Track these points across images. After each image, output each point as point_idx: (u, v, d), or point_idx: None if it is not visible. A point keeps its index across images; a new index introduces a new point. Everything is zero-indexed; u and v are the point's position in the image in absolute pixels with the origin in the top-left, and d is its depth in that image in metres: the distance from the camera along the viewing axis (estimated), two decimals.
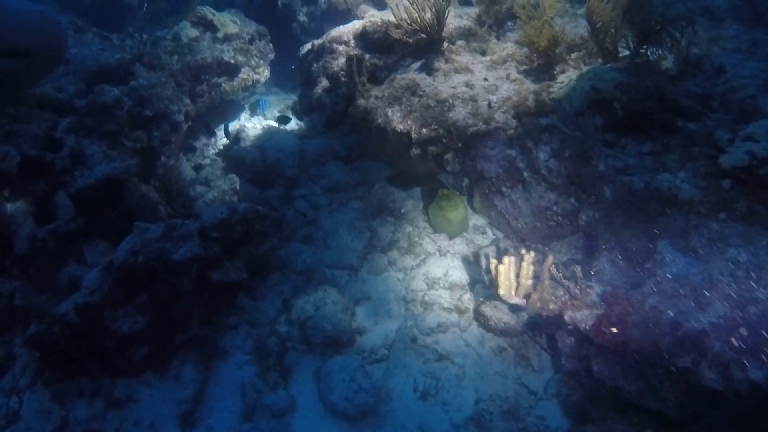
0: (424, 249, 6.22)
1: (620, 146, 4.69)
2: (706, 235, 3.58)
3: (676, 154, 4.26)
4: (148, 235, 5.24)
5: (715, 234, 3.55)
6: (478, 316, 5.28)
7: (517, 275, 4.12)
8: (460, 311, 5.58)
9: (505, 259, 3.92)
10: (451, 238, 6.22)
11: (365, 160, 7.65)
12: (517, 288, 4.22)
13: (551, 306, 3.98)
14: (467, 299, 5.63)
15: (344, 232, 6.53)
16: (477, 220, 6.53)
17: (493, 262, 4.14)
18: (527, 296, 4.17)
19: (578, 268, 3.89)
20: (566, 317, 3.85)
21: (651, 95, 4.65)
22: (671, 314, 3.18)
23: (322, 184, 7.42)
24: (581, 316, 3.75)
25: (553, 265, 4.02)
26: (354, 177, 7.39)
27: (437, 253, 6.16)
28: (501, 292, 4.15)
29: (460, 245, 6.12)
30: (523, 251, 3.99)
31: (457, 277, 5.76)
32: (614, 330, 3.37)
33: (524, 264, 3.90)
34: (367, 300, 5.95)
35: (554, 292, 3.99)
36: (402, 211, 6.68)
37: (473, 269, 5.81)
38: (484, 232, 6.46)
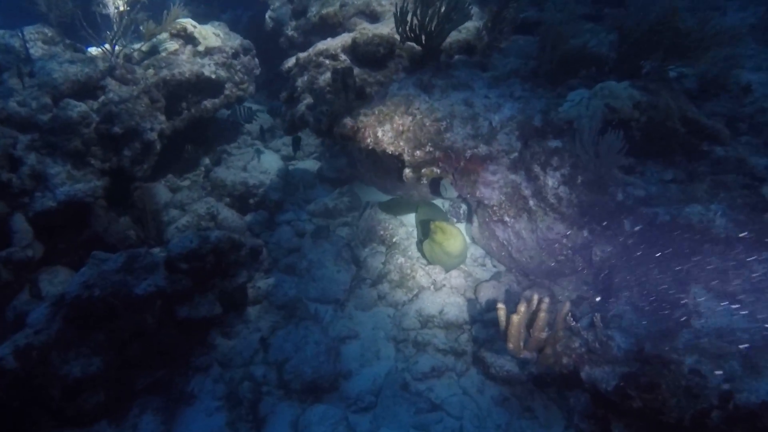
0: (417, 282, 5.64)
1: (639, 173, 4.17)
2: (748, 279, 3.03)
3: (705, 182, 3.73)
4: (106, 267, 4.66)
5: (758, 278, 3.00)
6: (478, 361, 4.70)
7: (529, 326, 3.50)
8: (457, 354, 4.99)
9: (521, 308, 3.32)
10: (447, 270, 5.65)
11: (355, 183, 7.13)
12: (527, 341, 3.60)
13: (564, 360, 3.40)
14: (465, 340, 5.04)
15: (330, 263, 5.96)
16: (476, 250, 5.98)
17: (502, 309, 3.55)
18: (539, 350, 3.56)
19: (597, 317, 3.33)
20: (583, 374, 3.27)
21: (673, 116, 4.14)
22: (719, 379, 2.62)
23: (308, 209, 6.88)
24: (601, 375, 3.17)
25: (570, 314, 3.44)
26: (343, 201, 6.85)
27: (432, 288, 5.58)
28: (510, 346, 3.55)
29: (457, 279, 5.55)
30: (536, 296, 3.41)
31: (454, 315, 5.18)
32: (644, 396, 2.80)
33: (541, 314, 3.30)
34: (353, 339, 5.37)
35: (568, 342, 3.41)
36: (394, 240, 6.13)
37: (472, 306, 5.23)
38: (483, 264, 5.91)
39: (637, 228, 3.69)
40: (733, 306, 2.97)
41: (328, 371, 4.86)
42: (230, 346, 5.26)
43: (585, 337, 3.31)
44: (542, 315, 3.31)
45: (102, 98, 6.01)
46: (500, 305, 3.60)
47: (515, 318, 3.38)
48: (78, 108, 5.75)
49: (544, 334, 3.34)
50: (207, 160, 7.29)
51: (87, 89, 6.05)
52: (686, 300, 3.21)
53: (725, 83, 4.77)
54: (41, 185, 5.69)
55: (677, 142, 4.13)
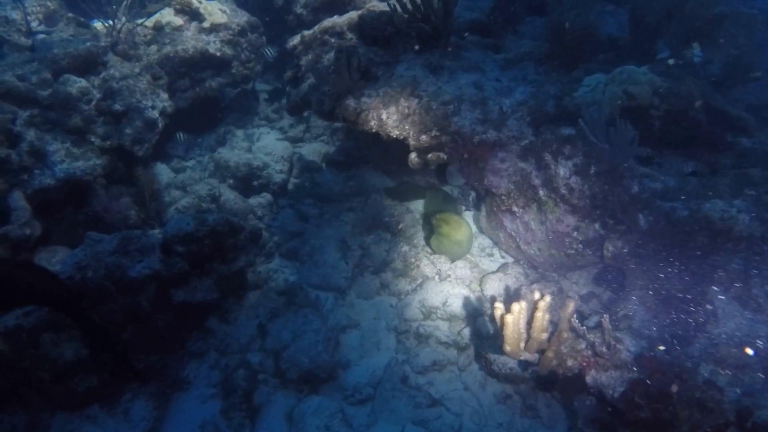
0: (421, 272, 5.46)
1: (657, 164, 3.92)
2: None
3: (728, 176, 3.48)
4: (100, 248, 4.54)
5: None
6: (480, 358, 4.52)
7: (529, 325, 3.28)
8: (460, 348, 4.82)
9: (515, 307, 3.09)
10: (452, 260, 5.45)
11: (363, 167, 6.92)
12: (527, 342, 3.37)
13: (569, 363, 3.20)
14: (468, 334, 4.86)
15: (333, 249, 5.80)
16: (483, 239, 5.77)
17: (499, 308, 3.33)
18: (541, 351, 3.34)
19: (606, 319, 3.11)
20: (588, 379, 3.07)
21: (696, 104, 3.87)
22: (737, 394, 2.42)
23: (313, 193, 6.69)
24: (608, 380, 2.97)
25: (575, 316, 3.23)
26: (349, 186, 6.65)
27: (436, 278, 5.40)
28: (507, 348, 3.34)
29: (462, 269, 5.35)
30: (537, 294, 3.19)
31: (458, 308, 5.00)
32: (654, 406, 2.60)
33: (539, 314, 3.08)
34: (354, 328, 5.22)
35: (573, 344, 3.20)
36: (399, 227, 5.93)
37: (477, 299, 5.04)
38: (490, 254, 5.70)
39: (652, 223, 3.46)
40: (755, 313, 2.75)
41: (325, 361, 4.72)
42: (227, 332, 5.14)
43: (591, 340, 3.10)
44: (540, 315, 3.10)
45: (103, 74, 5.85)
46: (498, 304, 3.39)
47: (509, 318, 3.17)
48: (78, 84, 5.60)
49: (544, 335, 3.13)
50: (212, 140, 7.13)
51: (88, 65, 5.90)
52: (704, 303, 2.99)
53: (752, 69, 4.47)
54: (40, 162, 5.57)
55: (700, 132, 3.86)
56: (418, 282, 5.41)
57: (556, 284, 4.76)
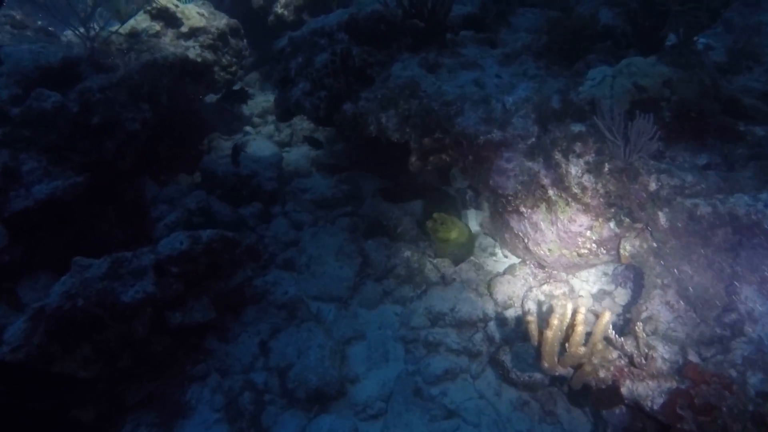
0: (425, 277, 5.31)
1: (669, 157, 3.80)
2: None
3: (749, 169, 3.36)
4: (89, 274, 4.27)
5: None
6: (495, 364, 4.38)
7: (566, 340, 3.10)
8: (472, 354, 4.67)
9: (554, 322, 2.92)
10: (456, 264, 5.30)
11: (354, 169, 6.72)
12: (563, 356, 3.19)
13: (602, 374, 3.07)
14: (479, 340, 4.71)
15: (331, 258, 5.60)
16: (485, 239, 5.63)
17: (533, 321, 3.14)
18: (576, 366, 3.17)
19: (640, 327, 2.97)
20: (624, 390, 2.94)
21: (707, 93, 3.76)
22: None
23: (305, 199, 6.48)
24: (645, 391, 2.84)
25: (612, 328, 3.08)
26: (342, 190, 6.46)
27: (441, 282, 5.24)
28: (545, 364, 3.16)
29: (467, 272, 5.20)
30: (569, 306, 3.02)
31: (467, 312, 4.84)
32: (700, 418, 2.47)
33: (578, 328, 2.90)
34: (359, 339, 5.05)
35: (605, 354, 3.06)
36: (398, 231, 5.76)
37: (486, 303, 4.89)
38: (493, 254, 5.57)
39: (673, 221, 3.34)
40: None
41: (333, 377, 4.54)
42: (228, 352, 4.92)
43: (629, 352, 2.96)
44: (579, 329, 2.95)
45: (79, 87, 5.54)
46: (530, 317, 3.23)
47: (549, 334, 3.01)
48: (52, 98, 5.28)
49: (582, 350, 2.98)
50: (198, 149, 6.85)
51: (62, 77, 5.58)
52: (736, 302, 2.87)
53: (757, 55, 4.38)
54: (15, 183, 5.25)
55: (712, 122, 3.75)
56: (423, 288, 5.25)
57: (566, 284, 4.64)
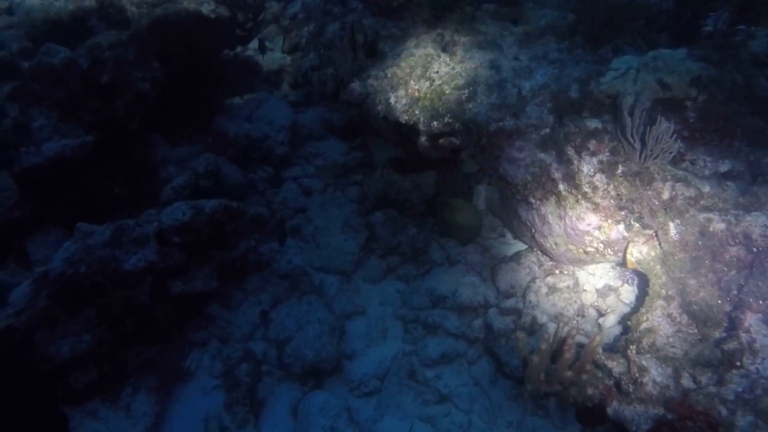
0: (429, 257, 5.25)
1: (689, 161, 3.59)
2: None
3: None
4: (92, 240, 4.31)
5: None
6: (490, 355, 4.36)
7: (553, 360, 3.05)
8: (470, 340, 4.67)
9: (542, 347, 2.85)
10: (463, 244, 5.21)
11: (368, 135, 6.56)
12: (549, 374, 3.14)
13: (589, 391, 3.01)
14: (479, 326, 4.69)
15: (337, 230, 5.56)
16: (495, 219, 5.51)
17: (522, 338, 3.08)
18: (563, 387, 3.12)
19: (633, 350, 2.88)
20: (610, 411, 2.89)
21: (739, 94, 3.50)
22: None
23: (316, 164, 6.38)
24: (631, 415, 2.78)
25: (600, 350, 2.99)
26: (354, 157, 6.34)
27: (446, 263, 5.18)
28: (529, 387, 3.12)
29: (473, 255, 5.13)
30: (561, 327, 2.93)
31: (468, 297, 4.80)
32: None
33: (566, 355, 2.82)
34: (359, 315, 5.07)
35: (593, 371, 3.00)
36: (407, 206, 5.66)
37: (488, 289, 4.83)
38: (502, 235, 5.46)
39: (684, 233, 3.18)
40: None
41: (330, 353, 4.58)
42: (229, 319, 4.98)
43: (617, 376, 2.89)
44: (567, 355, 2.87)
45: (89, 42, 5.43)
46: (520, 333, 3.17)
47: (535, 360, 2.95)
48: (61, 54, 5.19)
49: (570, 374, 2.92)
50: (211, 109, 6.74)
51: (72, 31, 5.47)
52: (738, 329, 2.76)
53: None
54: (26, 139, 5.25)
55: (741, 125, 3.51)
56: (426, 268, 5.20)
57: (571, 277, 4.54)
